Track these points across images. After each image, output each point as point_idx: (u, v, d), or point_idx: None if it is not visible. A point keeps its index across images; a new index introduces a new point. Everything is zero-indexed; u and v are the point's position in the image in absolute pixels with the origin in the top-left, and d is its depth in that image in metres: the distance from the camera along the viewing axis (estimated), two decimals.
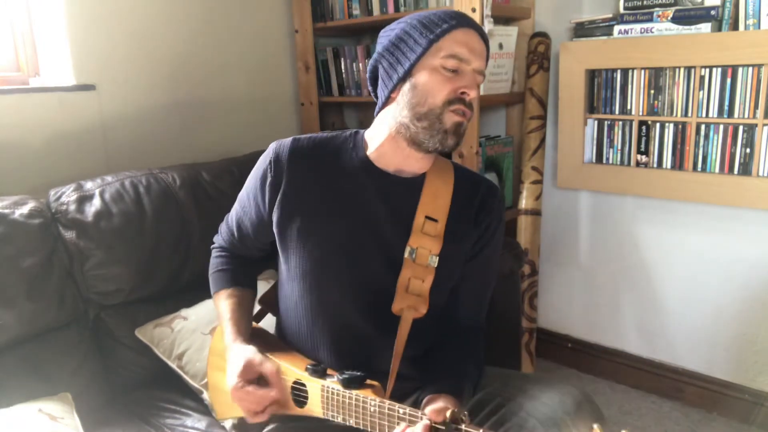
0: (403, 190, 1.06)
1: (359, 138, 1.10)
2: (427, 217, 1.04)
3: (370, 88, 1.09)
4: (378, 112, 1.07)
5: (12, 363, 1.31)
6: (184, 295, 1.59)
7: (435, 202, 1.05)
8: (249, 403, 1.01)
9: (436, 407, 0.85)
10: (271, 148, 1.10)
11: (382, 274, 1.04)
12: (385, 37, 1.04)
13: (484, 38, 1.02)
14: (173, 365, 1.42)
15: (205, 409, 1.38)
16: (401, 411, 0.87)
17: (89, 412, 1.33)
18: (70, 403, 1.26)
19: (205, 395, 1.37)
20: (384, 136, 1.05)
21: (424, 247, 1.03)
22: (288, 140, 1.09)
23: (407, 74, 0.99)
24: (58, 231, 1.43)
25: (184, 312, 1.51)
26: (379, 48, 1.04)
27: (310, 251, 1.05)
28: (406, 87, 0.99)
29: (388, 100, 1.04)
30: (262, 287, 1.30)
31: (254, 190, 1.11)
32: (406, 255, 1.03)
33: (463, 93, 0.98)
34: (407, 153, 1.04)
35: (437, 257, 1.03)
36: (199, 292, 1.57)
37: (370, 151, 1.07)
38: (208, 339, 1.43)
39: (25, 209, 1.38)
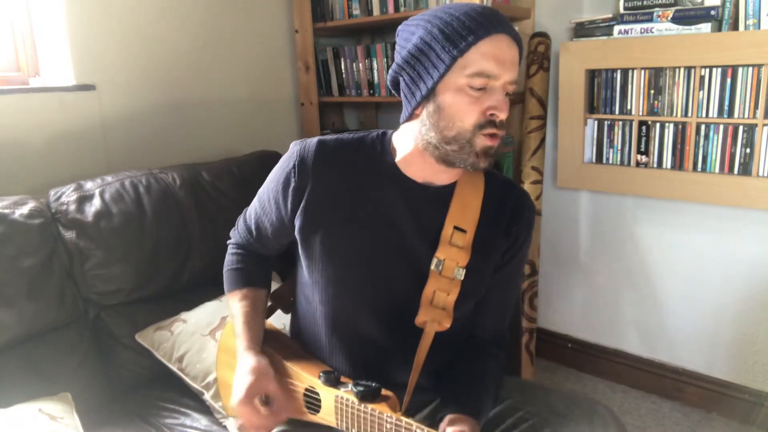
0: (431, 200, 1.00)
1: (387, 141, 1.03)
2: (456, 228, 0.99)
3: (393, 92, 1.01)
4: (403, 122, 0.99)
5: (12, 363, 1.31)
6: (184, 294, 1.60)
7: (464, 212, 1.00)
8: (249, 421, 0.98)
9: (455, 430, 0.83)
10: (295, 150, 1.03)
11: (406, 287, 1.00)
12: (404, 39, 0.94)
13: (516, 39, 0.91)
14: (174, 368, 1.43)
15: (204, 409, 1.38)
16: (419, 430, 0.83)
17: (89, 412, 1.33)
18: (70, 403, 1.26)
19: (206, 396, 1.37)
20: (411, 149, 0.98)
21: (451, 259, 0.98)
22: (313, 142, 1.02)
23: (430, 93, 0.91)
24: (58, 231, 1.43)
25: (183, 315, 1.51)
26: (398, 55, 0.95)
27: (334, 261, 1.01)
28: (431, 107, 0.91)
29: (412, 115, 0.96)
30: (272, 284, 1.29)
31: (276, 193, 1.05)
32: (432, 267, 0.99)
33: (492, 114, 0.89)
34: (436, 168, 0.98)
35: (464, 270, 0.99)
36: (199, 292, 1.58)
37: (398, 158, 1.00)
38: (207, 341, 1.43)
39: (25, 209, 1.38)
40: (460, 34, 0.87)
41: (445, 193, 1.01)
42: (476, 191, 1.02)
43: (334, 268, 1.01)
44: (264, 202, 1.10)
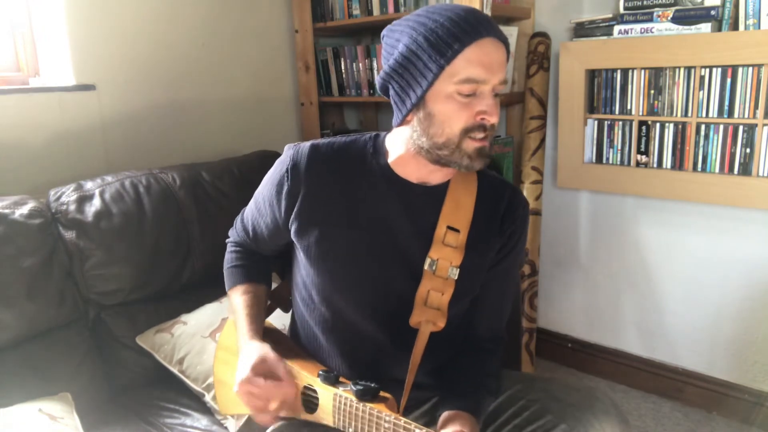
0: (425, 199, 1.01)
1: (379, 143, 1.03)
2: (449, 228, 1.00)
3: (383, 96, 1.01)
4: (396, 126, 1.00)
5: (12, 363, 1.31)
6: (184, 294, 1.60)
7: (457, 211, 1.01)
8: (255, 398, 0.96)
9: (454, 430, 0.83)
10: (288, 154, 1.04)
11: (400, 286, 1.01)
12: (390, 45, 0.94)
13: (502, 39, 0.90)
14: (174, 370, 1.43)
15: (205, 408, 1.38)
16: (417, 430, 0.83)
17: (89, 412, 1.33)
18: (70, 403, 1.26)
19: (207, 398, 1.37)
20: (403, 152, 0.99)
21: (445, 259, 0.99)
22: (306, 146, 1.03)
23: (420, 101, 0.91)
24: (58, 231, 1.43)
25: (183, 317, 1.51)
26: (385, 62, 0.94)
27: (329, 262, 1.01)
28: (421, 114, 0.92)
29: (403, 121, 0.96)
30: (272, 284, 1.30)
31: (270, 196, 1.07)
32: (426, 267, 0.99)
33: (482, 119, 0.90)
34: (431, 168, 0.98)
35: (458, 269, 0.99)
36: (199, 292, 1.58)
37: (391, 159, 1.01)
38: (207, 342, 1.43)
39: (25, 209, 1.38)
40: (445, 41, 0.86)
41: (439, 193, 1.01)
42: (469, 191, 1.03)
43: (330, 269, 1.01)
44: (259, 204, 1.11)
